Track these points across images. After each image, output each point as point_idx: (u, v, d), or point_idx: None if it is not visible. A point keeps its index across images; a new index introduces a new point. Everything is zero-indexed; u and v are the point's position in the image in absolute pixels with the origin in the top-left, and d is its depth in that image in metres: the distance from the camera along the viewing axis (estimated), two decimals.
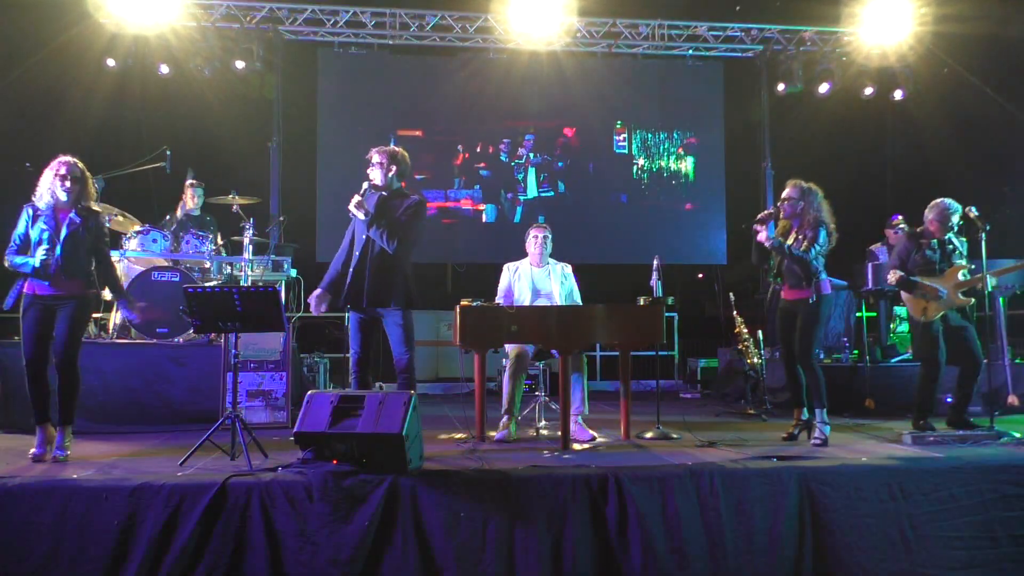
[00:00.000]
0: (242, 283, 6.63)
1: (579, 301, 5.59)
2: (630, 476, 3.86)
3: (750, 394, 6.84)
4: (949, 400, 5.44)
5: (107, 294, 6.24)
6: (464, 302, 4.96)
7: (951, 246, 5.28)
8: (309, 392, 4.04)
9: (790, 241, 5.09)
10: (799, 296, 5.03)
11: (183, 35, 8.83)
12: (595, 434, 5.15)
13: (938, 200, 5.27)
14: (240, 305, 4.24)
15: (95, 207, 4.65)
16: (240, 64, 8.87)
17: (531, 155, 10.13)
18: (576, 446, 4.83)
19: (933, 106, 9.58)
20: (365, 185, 4.60)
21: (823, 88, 9.67)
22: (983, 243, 5.03)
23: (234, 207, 7.31)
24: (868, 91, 9.74)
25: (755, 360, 6.88)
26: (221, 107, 9.13)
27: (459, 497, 3.74)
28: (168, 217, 7.32)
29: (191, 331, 5.98)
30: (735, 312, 7.11)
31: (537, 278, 5.53)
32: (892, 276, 5.26)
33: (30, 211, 4.44)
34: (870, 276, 6.99)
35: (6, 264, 4.41)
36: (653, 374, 6.01)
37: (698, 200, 10.39)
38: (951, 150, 9.47)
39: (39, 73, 8.40)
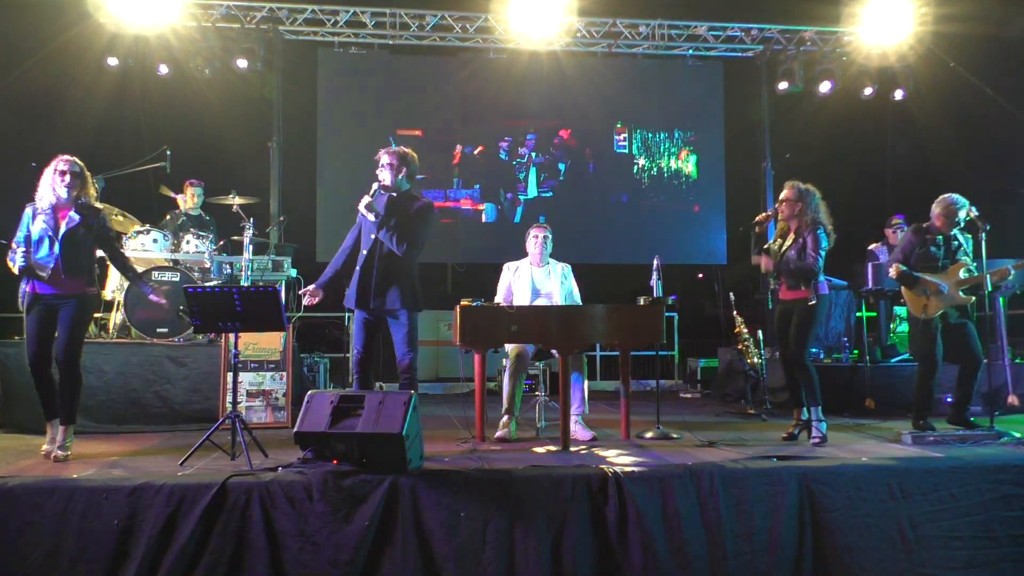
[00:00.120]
0: (242, 283, 6.63)
1: (579, 301, 5.59)
2: (630, 476, 3.86)
3: (750, 394, 6.84)
4: (949, 400, 5.44)
5: (107, 294, 6.29)
6: (464, 302, 4.95)
7: (956, 242, 5.23)
8: (309, 392, 4.04)
9: (788, 242, 5.10)
10: (797, 296, 5.04)
11: (183, 35, 8.83)
12: (595, 434, 5.15)
13: (945, 195, 5.23)
14: (240, 305, 4.24)
15: (96, 205, 4.66)
16: (242, 63, 8.86)
17: (533, 154, 10.13)
18: (576, 446, 4.84)
19: (933, 106, 9.58)
20: (375, 186, 4.59)
21: (823, 88, 9.68)
22: (983, 243, 5.03)
23: (234, 207, 7.31)
24: (868, 91, 9.74)
25: (755, 360, 6.88)
26: (221, 107, 9.14)
27: (459, 497, 3.74)
28: (168, 217, 7.33)
29: (191, 331, 5.98)
30: (735, 312, 7.11)
31: (537, 278, 5.53)
32: (893, 270, 5.23)
33: (31, 211, 4.46)
34: (870, 276, 6.99)
35: (8, 264, 4.43)
36: (653, 374, 6.00)
37: (698, 200, 10.39)
38: (951, 150, 9.47)
39: (39, 73, 8.40)
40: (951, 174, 9.17)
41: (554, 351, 5.12)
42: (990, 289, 5.07)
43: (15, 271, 4.38)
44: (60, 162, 4.45)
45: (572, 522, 3.76)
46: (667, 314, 5.85)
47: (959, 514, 4.05)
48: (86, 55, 8.67)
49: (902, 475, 4.08)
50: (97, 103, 8.74)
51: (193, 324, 4.45)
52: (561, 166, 10.20)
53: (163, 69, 8.93)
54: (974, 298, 5.18)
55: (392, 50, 9.83)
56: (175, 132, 8.25)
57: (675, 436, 5.12)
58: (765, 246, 5.29)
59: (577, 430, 5.09)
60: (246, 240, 6.58)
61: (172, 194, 7.42)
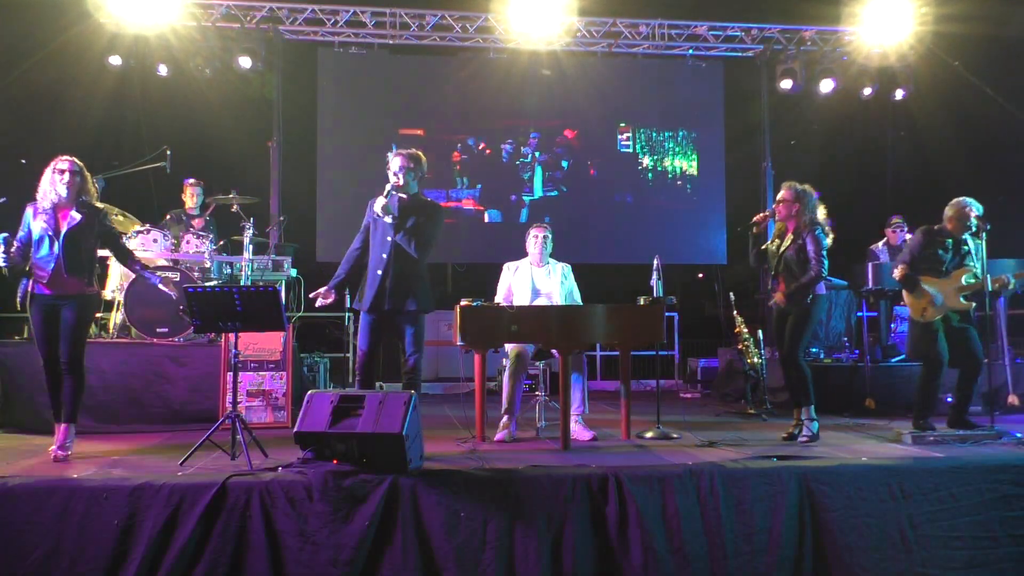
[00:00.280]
0: (242, 283, 6.63)
1: (579, 301, 5.59)
2: (630, 476, 3.86)
3: (750, 394, 6.83)
4: (949, 400, 5.43)
5: (107, 294, 6.29)
6: (464, 302, 4.96)
7: (966, 247, 5.15)
8: (309, 392, 4.04)
9: (786, 243, 5.10)
10: None
11: (183, 35, 8.82)
12: (595, 434, 5.15)
13: (958, 198, 5.14)
14: (240, 305, 4.24)
15: (97, 204, 4.66)
16: (243, 62, 8.84)
17: (536, 153, 10.12)
18: (576, 446, 4.83)
19: (934, 106, 9.59)
20: (388, 187, 4.60)
21: (824, 88, 9.68)
22: (983, 245, 5.02)
23: (234, 207, 7.32)
24: (868, 91, 9.74)
25: (755, 360, 6.88)
26: (221, 107, 9.13)
27: (459, 497, 3.74)
28: (168, 216, 7.33)
29: (191, 331, 5.98)
30: (735, 312, 7.12)
31: (537, 278, 5.53)
32: (899, 271, 5.19)
33: (32, 210, 4.46)
34: (870, 276, 6.98)
35: None
36: (653, 374, 6.01)
37: (699, 200, 10.39)
38: (951, 150, 9.47)
39: (39, 73, 8.41)
40: (951, 174, 9.19)
41: (554, 351, 5.13)
42: (990, 289, 5.06)
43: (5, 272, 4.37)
44: (59, 161, 4.46)
45: (572, 522, 3.76)
46: (667, 314, 5.85)
47: (959, 514, 4.05)
48: (86, 55, 8.67)
49: (902, 475, 4.08)
50: (97, 103, 8.74)
51: (193, 324, 4.45)
52: (564, 163, 10.19)
53: (163, 69, 8.92)
54: (974, 304, 5.14)
55: (392, 50, 9.82)
56: (175, 132, 8.25)
57: (675, 436, 5.12)
58: (763, 246, 5.30)
59: (577, 430, 5.09)
60: (246, 240, 6.58)
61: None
